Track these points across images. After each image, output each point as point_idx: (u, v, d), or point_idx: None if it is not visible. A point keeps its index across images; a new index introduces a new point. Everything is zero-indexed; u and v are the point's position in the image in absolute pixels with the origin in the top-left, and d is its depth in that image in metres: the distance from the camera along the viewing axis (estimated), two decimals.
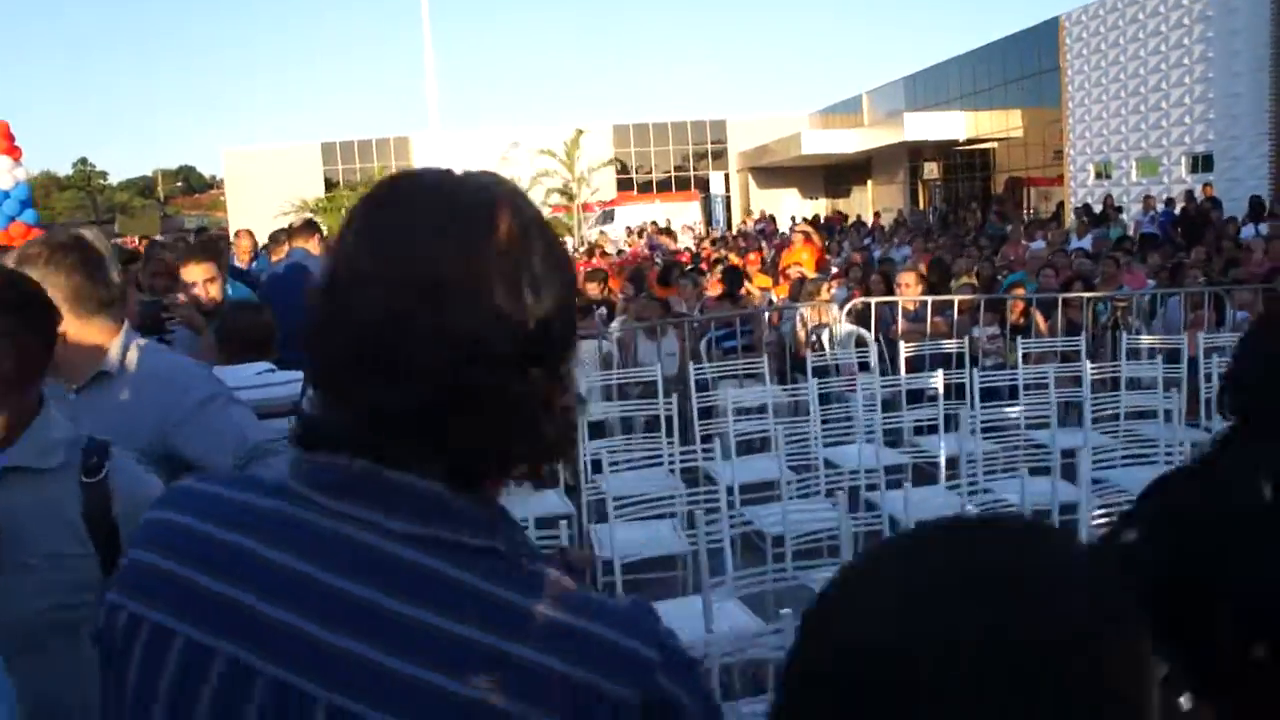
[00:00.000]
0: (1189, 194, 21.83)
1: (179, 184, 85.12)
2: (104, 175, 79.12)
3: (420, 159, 43.48)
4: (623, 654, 0.92)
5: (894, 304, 9.09)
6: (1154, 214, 19.96)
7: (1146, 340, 8.15)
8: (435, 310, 0.92)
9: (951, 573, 0.75)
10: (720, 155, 48.39)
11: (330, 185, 42.26)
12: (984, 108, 35.41)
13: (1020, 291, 9.42)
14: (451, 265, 0.93)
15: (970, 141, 35.83)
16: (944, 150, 37.38)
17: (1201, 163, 25.19)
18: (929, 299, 8.77)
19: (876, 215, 33.25)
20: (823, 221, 28.89)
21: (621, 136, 48.26)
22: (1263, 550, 1.99)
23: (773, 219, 30.87)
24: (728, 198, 44.34)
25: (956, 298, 9.01)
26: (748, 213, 40.69)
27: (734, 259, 14.68)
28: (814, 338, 9.42)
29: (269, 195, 30.02)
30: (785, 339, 9.87)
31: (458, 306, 0.92)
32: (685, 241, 23.43)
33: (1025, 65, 33.60)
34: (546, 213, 24.49)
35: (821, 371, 7.97)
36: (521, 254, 0.95)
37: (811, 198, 45.81)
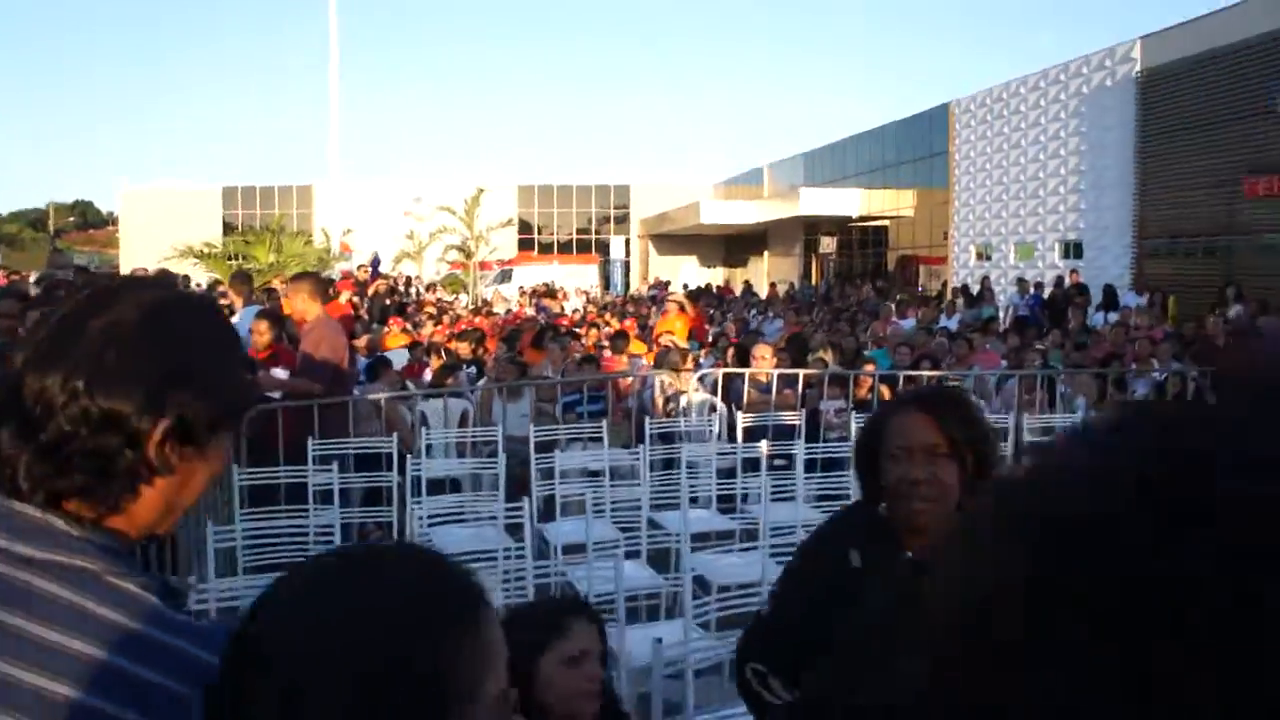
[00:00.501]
0: (1059, 279, 22.88)
1: (74, 219, 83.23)
2: None
3: (322, 208, 43.35)
4: (192, 662, 1.16)
5: (746, 376, 9.47)
6: (1026, 297, 20.88)
7: None
8: (63, 385, 1.18)
9: (309, 596, 1.04)
10: (623, 220, 49.06)
11: (229, 229, 41.78)
12: (878, 186, 36.56)
13: (870, 368, 9.87)
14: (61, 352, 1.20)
15: (864, 218, 36.93)
16: (839, 225, 38.43)
17: (1073, 249, 26.37)
18: (776, 372, 9.16)
19: (772, 286, 34.00)
20: (714, 291, 29.49)
21: (526, 196, 48.69)
22: (859, 608, 2.32)
23: (666, 284, 31.45)
24: (627, 262, 44.90)
25: (803, 372, 9.42)
26: (645, 278, 41.27)
27: (614, 324, 15.06)
28: (670, 405, 9.77)
29: (165, 235, 29.63)
30: (646, 405, 10.18)
31: (75, 384, 1.17)
32: (576, 304, 23.82)
33: (917, 148, 34.84)
34: (444, 270, 24.51)
35: (669, 438, 8.29)
36: (117, 345, 1.21)
37: (710, 266, 46.59)
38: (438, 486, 7.12)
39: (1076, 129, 25.97)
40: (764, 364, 9.33)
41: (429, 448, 7.98)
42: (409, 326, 15.27)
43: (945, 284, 30.09)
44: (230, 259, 26.93)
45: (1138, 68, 23.63)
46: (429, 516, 5.77)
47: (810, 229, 40.18)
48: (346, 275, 23.38)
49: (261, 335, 7.58)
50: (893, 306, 18.79)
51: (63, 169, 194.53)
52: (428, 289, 29.81)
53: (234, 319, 8.30)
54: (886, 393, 9.74)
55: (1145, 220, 23.72)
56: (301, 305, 6.98)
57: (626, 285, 41.76)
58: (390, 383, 8.71)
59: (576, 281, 34.12)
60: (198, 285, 15.84)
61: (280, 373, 6.85)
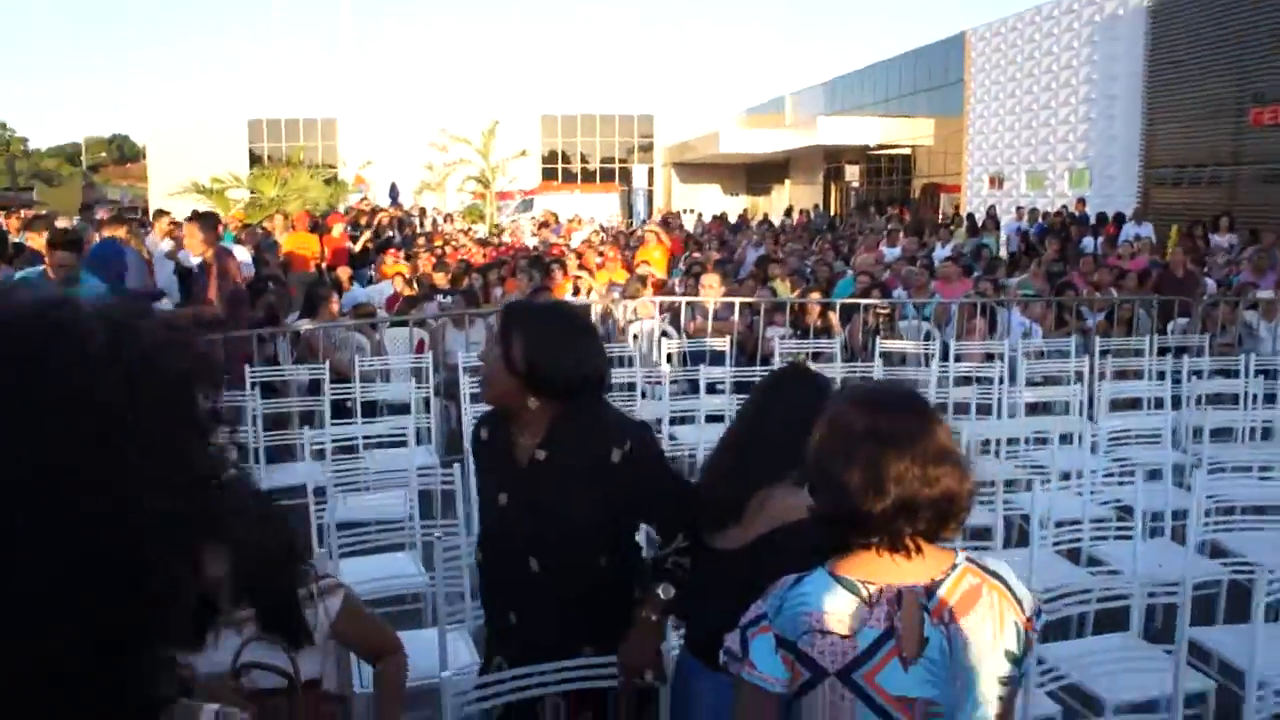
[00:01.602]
0: (1064, 208, 22.96)
1: (105, 154, 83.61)
2: (24, 141, 77.37)
3: (346, 140, 43.78)
4: None
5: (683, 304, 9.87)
6: (1020, 226, 21.02)
7: (893, 344, 9.02)
8: None
9: None
10: (648, 149, 49.06)
11: (256, 161, 42.20)
12: (896, 114, 36.42)
13: (815, 296, 10.22)
14: None
15: (882, 146, 36.82)
16: (861, 154, 38.36)
17: (1083, 178, 26.30)
18: (714, 299, 9.53)
19: (803, 213, 34.13)
20: (729, 221, 29.77)
21: (550, 126, 48.78)
22: None
23: (678, 214, 31.77)
24: (650, 191, 45.01)
25: (738, 300, 9.79)
26: (667, 206, 41.45)
27: (602, 254, 15.46)
28: (631, 332, 10.18)
29: (193, 169, 30.03)
30: (610, 332, 10.58)
31: None
32: (585, 233, 24.09)
33: (934, 76, 34.65)
34: (466, 199, 24.81)
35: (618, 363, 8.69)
36: None
37: (733, 194, 46.69)
38: (371, 409, 7.57)
39: (1088, 58, 25.79)
40: (710, 292, 9.69)
41: (387, 374, 8.43)
42: (402, 258, 15.70)
43: (957, 211, 30.10)
44: (250, 193, 27.48)
45: None
46: (363, 438, 6.18)
47: (832, 157, 40.14)
48: (356, 208, 23.85)
49: None
50: (885, 235, 18.98)
51: (100, 103, 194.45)
52: (445, 219, 30.18)
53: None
54: (834, 320, 10.11)
55: (1152, 149, 23.65)
56: (191, 245, 7.47)
57: (649, 214, 41.92)
58: (328, 315, 9.07)
59: (597, 211, 34.25)
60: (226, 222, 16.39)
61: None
